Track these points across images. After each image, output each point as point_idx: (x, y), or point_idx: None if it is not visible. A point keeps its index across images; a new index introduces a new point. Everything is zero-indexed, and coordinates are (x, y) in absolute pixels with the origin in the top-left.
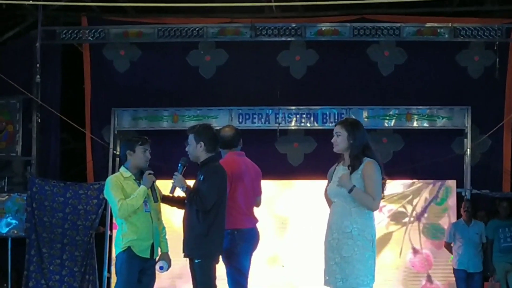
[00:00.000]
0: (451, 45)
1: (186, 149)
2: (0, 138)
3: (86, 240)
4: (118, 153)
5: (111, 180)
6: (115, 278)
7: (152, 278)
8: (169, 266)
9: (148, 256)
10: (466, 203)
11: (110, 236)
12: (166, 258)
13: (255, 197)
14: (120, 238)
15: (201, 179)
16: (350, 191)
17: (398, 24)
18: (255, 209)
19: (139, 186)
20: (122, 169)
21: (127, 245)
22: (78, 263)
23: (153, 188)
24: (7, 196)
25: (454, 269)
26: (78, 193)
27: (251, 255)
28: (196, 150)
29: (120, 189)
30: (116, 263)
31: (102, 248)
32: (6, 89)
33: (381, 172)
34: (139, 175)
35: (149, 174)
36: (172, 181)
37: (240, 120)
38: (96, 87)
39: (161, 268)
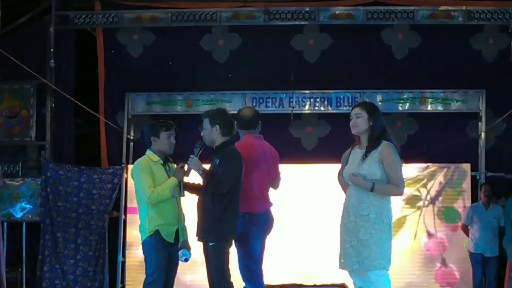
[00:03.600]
0: (465, 28)
1: (202, 133)
2: (14, 123)
3: (100, 224)
4: (132, 137)
5: (141, 163)
6: (130, 263)
7: (176, 264)
8: (190, 254)
9: (173, 241)
10: (486, 187)
11: (125, 221)
12: (187, 246)
13: (270, 181)
14: (146, 223)
15: (217, 162)
16: (371, 190)
17: (412, 8)
18: (271, 192)
19: (165, 170)
20: (149, 152)
21: (154, 229)
22: (92, 247)
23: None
24: (21, 181)
25: (470, 253)
26: (92, 178)
27: (263, 239)
28: (212, 134)
29: (150, 174)
30: (144, 249)
31: (116, 232)
32: (20, 74)
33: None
34: (164, 160)
35: (182, 167)
36: (187, 164)
37: (254, 104)
38: (109, 72)
39: (186, 260)
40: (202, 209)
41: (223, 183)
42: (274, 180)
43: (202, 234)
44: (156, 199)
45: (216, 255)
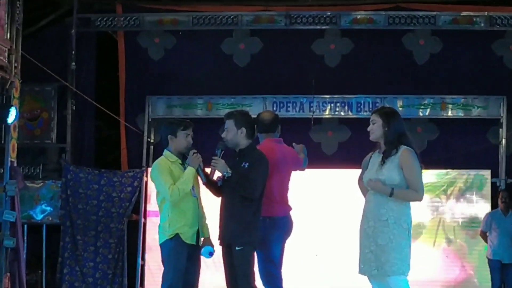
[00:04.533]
0: (487, 34)
1: (223, 135)
2: (35, 125)
3: (120, 227)
4: (152, 140)
5: (159, 164)
6: (150, 266)
7: (198, 265)
8: (214, 250)
9: (194, 242)
10: (504, 194)
11: (144, 224)
12: (209, 243)
13: (288, 185)
14: (166, 225)
15: (246, 166)
16: (390, 195)
17: (434, 13)
18: (292, 196)
19: (184, 170)
20: (167, 153)
21: (175, 233)
22: (112, 250)
23: (199, 168)
24: (42, 183)
25: (488, 259)
26: (112, 181)
27: (283, 243)
28: (237, 136)
29: (169, 173)
30: (163, 252)
31: (136, 235)
32: (41, 76)
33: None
34: (183, 160)
35: (194, 153)
36: (211, 166)
37: (274, 108)
38: (130, 75)
39: (210, 253)
40: (229, 213)
41: (256, 188)
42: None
43: (229, 239)
44: (179, 194)
45: (243, 259)
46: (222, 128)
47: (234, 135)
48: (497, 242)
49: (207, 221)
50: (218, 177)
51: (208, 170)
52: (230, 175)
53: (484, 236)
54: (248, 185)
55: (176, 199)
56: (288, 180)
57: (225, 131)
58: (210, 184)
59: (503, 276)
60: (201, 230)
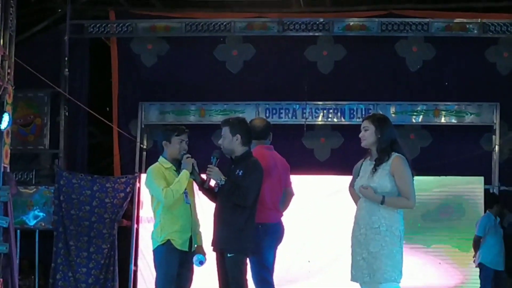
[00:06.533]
0: (480, 41)
1: (220, 142)
2: (28, 131)
3: (113, 233)
4: (145, 147)
5: (153, 170)
6: (142, 271)
7: (191, 272)
8: (205, 259)
9: (187, 249)
10: (497, 199)
11: (137, 229)
12: (201, 251)
13: (281, 191)
14: (158, 231)
15: (240, 174)
16: (382, 203)
17: (427, 20)
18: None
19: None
20: (162, 159)
21: (166, 239)
22: (104, 255)
23: (193, 170)
24: (35, 189)
25: (482, 265)
26: (105, 187)
27: (275, 249)
28: (232, 143)
29: (163, 178)
30: (155, 257)
31: (128, 241)
32: (34, 82)
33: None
34: (177, 166)
35: (188, 157)
36: (206, 174)
37: (267, 115)
38: (123, 81)
39: (201, 262)
40: (221, 219)
41: (249, 195)
42: (285, 188)
43: (220, 245)
44: (173, 196)
45: (235, 266)
46: (216, 134)
47: (229, 142)
48: (492, 249)
49: (201, 229)
50: (216, 183)
51: (204, 177)
52: (224, 182)
53: (478, 241)
54: (240, 192)
55: (170, 201)
56: (280, 186)
57: (222, 138)
58: (206, 189)
59: (496, 284)
60: (194, 237)
